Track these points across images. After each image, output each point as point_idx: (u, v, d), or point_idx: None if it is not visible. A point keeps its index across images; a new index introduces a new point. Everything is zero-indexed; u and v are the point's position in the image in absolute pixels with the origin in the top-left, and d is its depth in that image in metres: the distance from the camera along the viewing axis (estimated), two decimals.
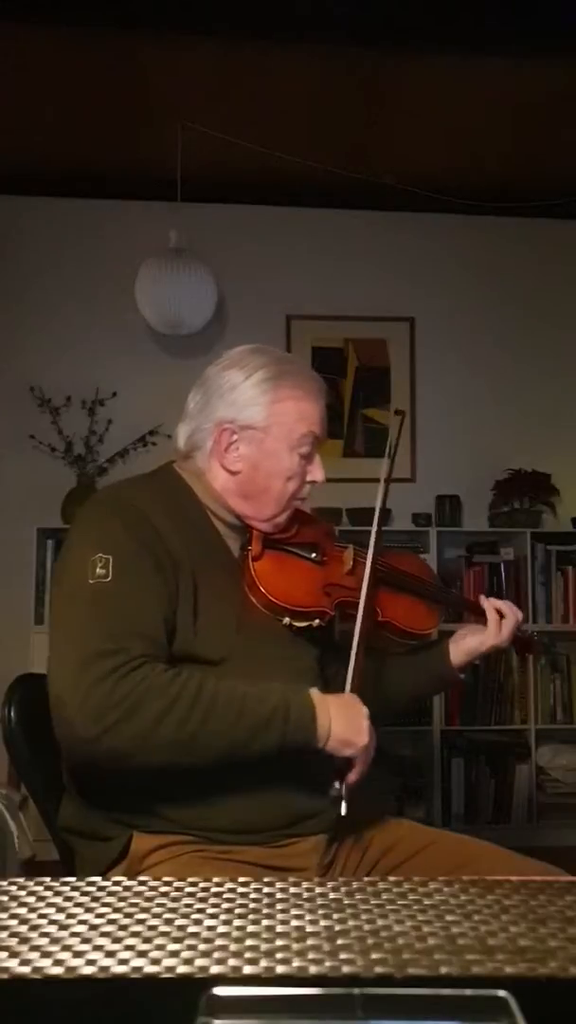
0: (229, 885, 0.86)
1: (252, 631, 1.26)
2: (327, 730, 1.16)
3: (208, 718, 1.11)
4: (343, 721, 1.17)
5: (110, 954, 0.69)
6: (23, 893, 0.82)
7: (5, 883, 0.85)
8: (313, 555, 1.38)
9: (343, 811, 1.17)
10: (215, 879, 0.88)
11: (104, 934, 0.73)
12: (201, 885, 0.86)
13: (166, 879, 0.88)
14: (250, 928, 0.75)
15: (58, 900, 0.81)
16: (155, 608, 1.18)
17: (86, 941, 0.71)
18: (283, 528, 1.36)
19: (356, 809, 1.33)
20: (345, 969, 0.67)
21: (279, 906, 0.80)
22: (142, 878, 0.89)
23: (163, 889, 0.85)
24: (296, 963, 0.68)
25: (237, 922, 0.76)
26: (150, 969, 0.66)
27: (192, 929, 0.74)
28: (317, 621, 1.32)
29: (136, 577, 1.17)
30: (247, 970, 0.66)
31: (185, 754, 1.11)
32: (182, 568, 1.22)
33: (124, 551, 1.17)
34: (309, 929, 0.75)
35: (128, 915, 0.77)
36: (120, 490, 1.33)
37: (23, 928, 0.74)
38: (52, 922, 0.75)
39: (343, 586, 1.37)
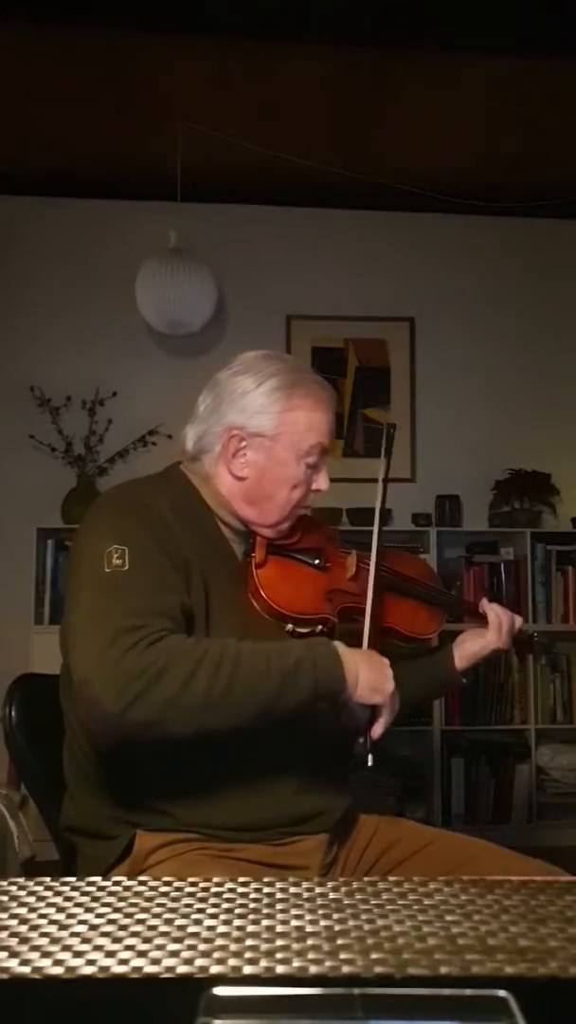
0: (229, 885, 0.86)
1: (258, 636, 1.26)
2: (355, 676, 1.16)
3: (236, 675, 1.09)
4: (368, 669, 1.18)
5: (110, 954, 0.69)
6: (23, 893, 0.82)
7: (5, 883, 0.85)
8: (316, 561, 1.37)
9: (369, 763, 1.18)
10: (215, 879, 0.88)
11: (104, 934, 0.73)
12: (201, 885, 0.86)
13: (166, 879, 0.88)
14: (250, 928, 0.75)
15: (58, 900, 0.81)
16: (173, 594, 1.18)
17: (86, 941, 0.71)
18: (286, 534, 1.36)
19: (356, 806, 1.34)
20: (345, 969, 0.67)
21: (279, 906, 0.80)
22: (142, 878, 0.89)
23: (163, 889, 0.85)
24: (296, 963, 0.68)
25: (237, 922, 0.76)
26: (150, 969, 0.66)
27: (192, 929, 0.74)
28: (320, 627, 1.31)
29: (152, 569, 1.17)
30: (247, 970, 0.66)
31: (216, 715, 1.09)
32: (193, 570, 1.22)
33: (139, 544, 1.18)
34: (309, 929, 0.75)
35: (128, 915, 0.77)
36: (134, 489, 1.32)
37: (23, 928, 0.74)
38: (52, 922, 0.75)
39: (346, 592, 1.37)
